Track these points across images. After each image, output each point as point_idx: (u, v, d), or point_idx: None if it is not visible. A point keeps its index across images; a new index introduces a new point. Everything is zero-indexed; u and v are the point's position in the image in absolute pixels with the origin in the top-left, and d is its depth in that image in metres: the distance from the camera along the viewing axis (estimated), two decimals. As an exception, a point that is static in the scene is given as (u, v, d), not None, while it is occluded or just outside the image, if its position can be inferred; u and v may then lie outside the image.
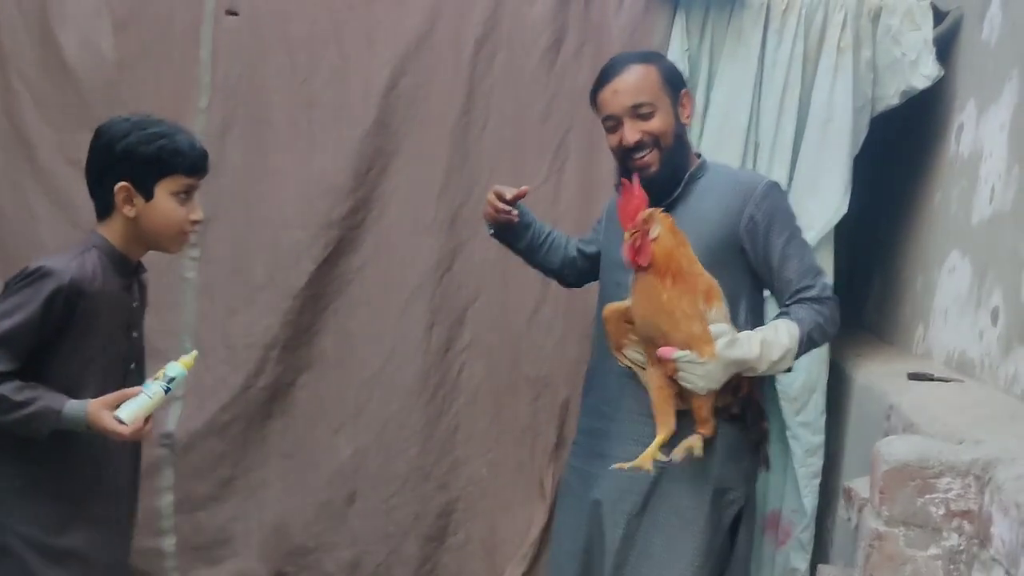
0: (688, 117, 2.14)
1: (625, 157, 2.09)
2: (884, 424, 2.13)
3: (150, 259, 2.07)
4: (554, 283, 2.72)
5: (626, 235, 1.89)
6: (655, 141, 2.05)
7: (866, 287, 3.50)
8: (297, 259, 2.87)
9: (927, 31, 2.69)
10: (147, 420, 1.82)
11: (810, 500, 2.77)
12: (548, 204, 2.85)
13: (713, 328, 1.88)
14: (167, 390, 1.85)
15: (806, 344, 1.97)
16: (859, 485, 1.82)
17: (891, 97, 2.76)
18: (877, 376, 2.52)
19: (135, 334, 1.99)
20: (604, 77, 2.12)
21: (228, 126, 2.91)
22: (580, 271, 2.45)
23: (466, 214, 2.91)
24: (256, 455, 2.90)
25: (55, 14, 2.99)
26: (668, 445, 1.95)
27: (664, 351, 1.88)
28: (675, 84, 2.11)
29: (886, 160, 3.22)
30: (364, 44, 2.90)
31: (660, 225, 1.88)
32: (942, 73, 2.68)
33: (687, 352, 1.86)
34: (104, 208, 1.91)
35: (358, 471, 2.90)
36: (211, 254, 2.90)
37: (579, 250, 2.43)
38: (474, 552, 2.89)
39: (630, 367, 2.06)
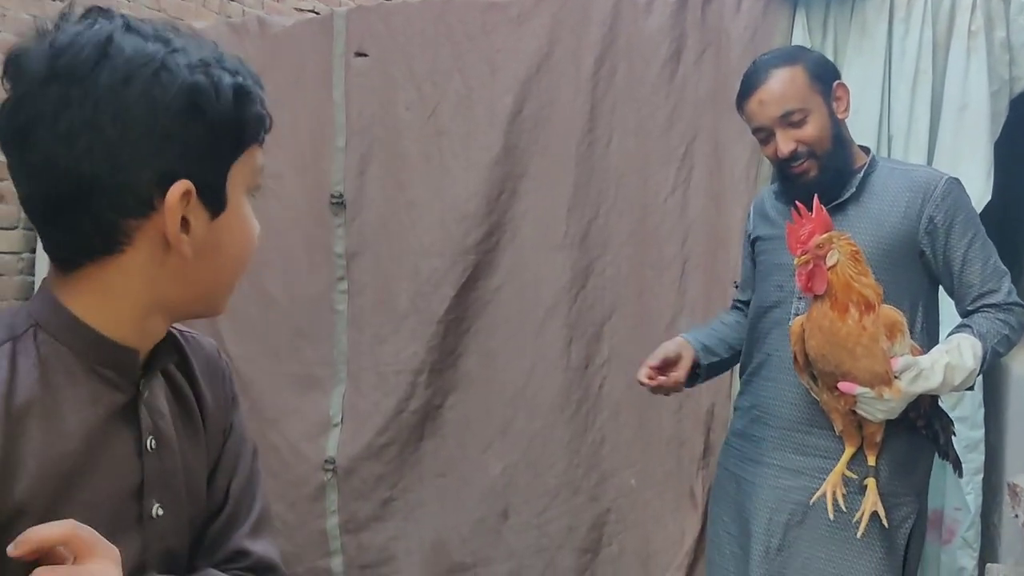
0: (845, 110, 1.97)
1: (782, 167, 1.97)
2: (1047, 418, 2.06)
3: (275, 291, 1.87)
4: (689, 291, 2.75)
5: (796, 260, 1.78)
6: (810, 151, 1.91)
7: (1018, 271, 3.35)
8: (438, 285, 2.97)
9: (1065, 3, 2.58)
10: None
11: (973, 497, 2.67)
12: (677, 215, 2.85)
13: (898, 362, 1.77)
14: None
15: (990, 359, 1.86)
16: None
17: (1030, 76, 2.66)
18: (1036, 367, 2.43)
19: (157, 510, 0.91)
20: (748, 86, 1.97)
21: (367, 162, 3.05)
22: None
23: (596, 230, 2.93)
24: (412, 476, 3.01)
25: (198, 69, 3.20)
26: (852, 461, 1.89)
27: (845, 387, 1.79)
28: (825, 79, 1.95)
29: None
30: (486, 72, 2.98)
31: (839, 252, 1.76)
32: (1084, 45, 2.57)
33: (869, 390, 1.78)
34: (83, 247, 0.86)
35: (509, 487, 2.96)
36: (358, 286, 3.04)
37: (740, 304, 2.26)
38: (629, 563, 2.90)
39: (808, 387, 1.94)
